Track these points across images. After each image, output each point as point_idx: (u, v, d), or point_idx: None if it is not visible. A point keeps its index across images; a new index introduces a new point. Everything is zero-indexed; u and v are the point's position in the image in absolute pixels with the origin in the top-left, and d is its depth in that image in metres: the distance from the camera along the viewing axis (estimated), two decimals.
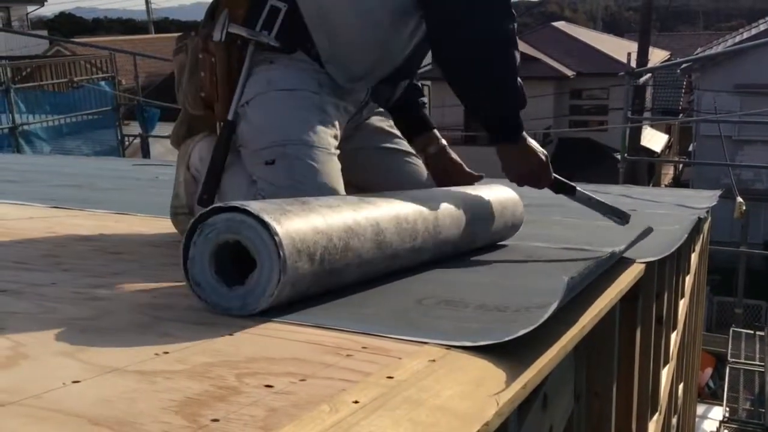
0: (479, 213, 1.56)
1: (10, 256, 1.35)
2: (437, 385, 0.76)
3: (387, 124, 1.80)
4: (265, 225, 0.97)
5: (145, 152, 10.20)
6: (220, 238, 1.00)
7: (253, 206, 0.99)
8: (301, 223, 1.02)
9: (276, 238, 0.96)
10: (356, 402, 0.70)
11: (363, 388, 0.74)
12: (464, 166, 1.78)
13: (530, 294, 1.26)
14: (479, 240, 1.59)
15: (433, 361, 0.84)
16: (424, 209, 1.34)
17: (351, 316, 1.03)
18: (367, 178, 1.71)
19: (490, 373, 0.81)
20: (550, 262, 1.62)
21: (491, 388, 0.75)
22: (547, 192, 1.89)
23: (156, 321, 0.98)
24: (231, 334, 0.93)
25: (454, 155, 1.81)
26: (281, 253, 0.96)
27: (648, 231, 1.61)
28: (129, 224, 1.80)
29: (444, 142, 1.83)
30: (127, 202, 2.41)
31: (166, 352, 0.84)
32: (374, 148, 1.75)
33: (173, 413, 0.66)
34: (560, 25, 25.18)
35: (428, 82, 22.11)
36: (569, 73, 20.28)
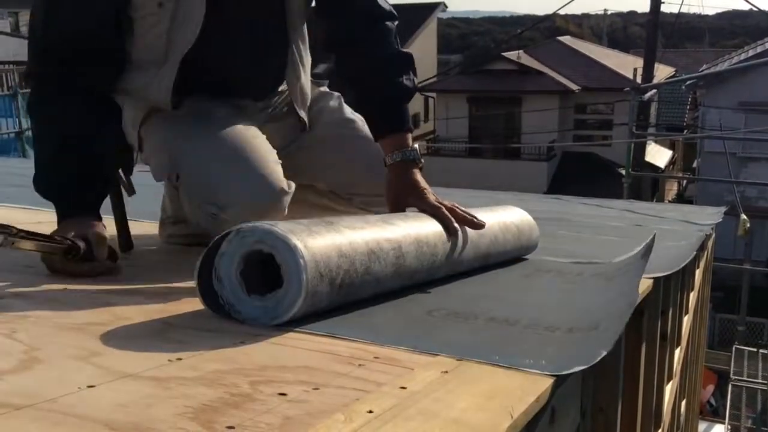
0: (497, 237, 1.54)
1: (21, 260, 1.35)
2: (450, 397, 0.76)
3: (340, 114, 1.71)
4: (292, 246, 0.97)
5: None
6: (254, 246, 1.00)
7: (282, 226, 1.00)
8: (326, 246, 1.02)
9: (302, 260, 0.97)
10: (370, 412, 0.70)
11: (377, 398, 0.74)
12: (427, 192, 1.43)
13: (539, 309, 1.26)
14: (493, 260, 1.59)
15: (446, 372, 0.84)
16: (443, 232, 1.34)
17: (362, 326, 1.04)
18: (320, 163, 1.65)
19: (502, 385, 0.81)
20: (559, 276, 1.62)
21: (504, 401, 0.75)
22: (552, 206, 1.89)
23: (168, 327, 0.99)
24: (243, 342, 0.93)
25: (418, 177, 1.47)
26: (305, 277, 0.96)
27: (652, 239, 1.61)
28: (139, 230, 1.80)
29: (417, 157, 1.49)
30: (136, 207, 2.41)
31: (179, 359, 0.84)
32: (326, 133, 1.67)
33: (189, 419, 0.66)
34: (566, 39, 25.26)
35: (432, 94, 22.17)
36: (574, 87, 20.34)
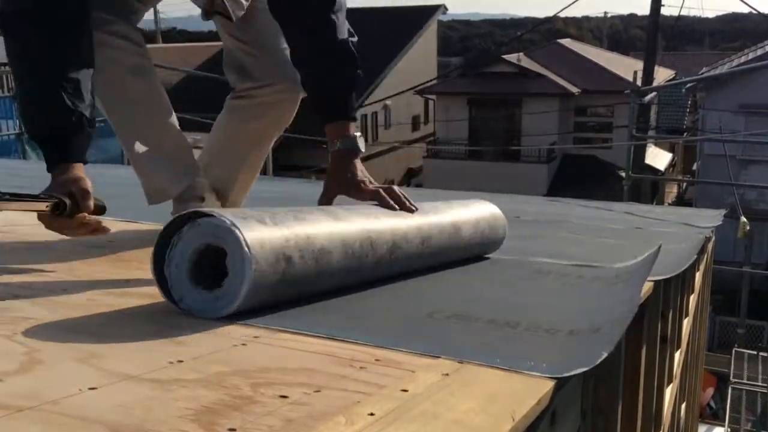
0: (455, 228, 1.52)
1: (22, 262, 1.35)
2: (452, 399, 0.76)
3: None
4: (237, 232, 0.98)
5: None
6: (203, 239, 1.02)
7: (230, 216, 1.01)
8: (272, 234, 1.04)
9: (247, 251, 0.98)
10: (372, 414, 0.70)
11: (378, 401, 0.74)
12: (365, 183, 1.47)
13: (540, 311, 1.26)
14: (454, 253, 1.56)
15: (447, 375, 0.84)
16: (395, 222, 1.34)
17: (363, 328, 1.04)
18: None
19: (504, 388, 0.81)
20: (559, 278, 1.62)
21: (506, 404, 0.75)
22: (551, 208, 1.89)
23: (168, 329, 0.99)
24: (244, 344, 0.93)
25: (359, 168, 1.52)
26: (249, 260, 0.98)
27: (657, 250, 1.62)
28: (139, 232, 1.80)
29: (356, 147, 1.54)
30: (137, 209, 2.42)
31: (180, 361, 0.84)
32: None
33: (190, 421, 0.66)
34: (566, 42, 25.28)
35: (433, 96, 22.15)
36: (574, 90, 20.35)
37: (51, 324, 0.97)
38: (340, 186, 1.50)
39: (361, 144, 1.54)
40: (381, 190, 1.42)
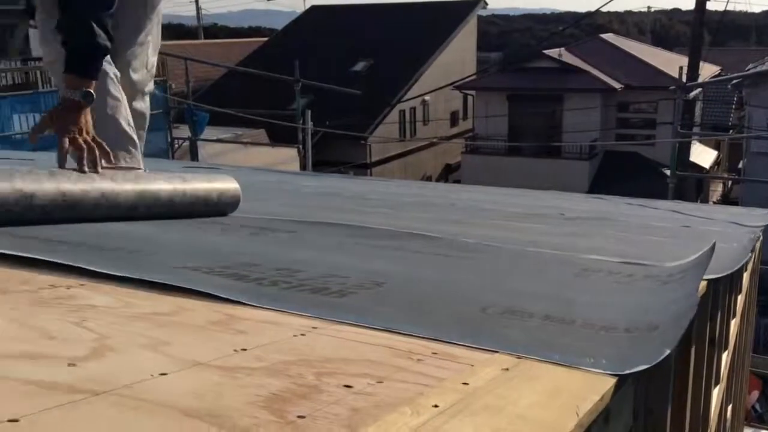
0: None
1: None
2: (514, 394, 0.76)
3: None
4: None
5: (194, 155, 10.38)
6: None
7: None
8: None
9: None
10: (436, 406, 0.71)
11: (440, 393, 0.75)
12: (75, 134, 1.81)
13: (594, 308, 1.25)
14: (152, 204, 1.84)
15: (507, 369, 0.84)
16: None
17: (417, 321, 1.04)
18: None
19: (565, 383, 0.81)
20: (610, 276, 1.61)
21: (569, 400, 0.75)
22: (594, 205, 1.88)
23: (229, 318, 1.01)
24: (303, 335, 0.95)
25: (82, 118, 1.85)
26: None
27: (712, 247, 1.59)
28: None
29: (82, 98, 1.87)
30: None
31: (244, 349, 0.86)
32: None
33: (260, 408, 0.68)
34: (608, 37, 24.89)
35: (472, 92, 21.96)
36: (617, 85, 20.04)
37: (117, 311, 0.99)
38: (52, 123, 1.84)
39: (90, 99, 1.88)
40: (79, 140, 1.77)
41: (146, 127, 2.57)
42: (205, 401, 0.68)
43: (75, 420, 0.62)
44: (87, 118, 1.85)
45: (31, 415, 0.61)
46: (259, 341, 0.90)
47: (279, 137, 12.65)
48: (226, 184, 2.15)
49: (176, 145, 10.68)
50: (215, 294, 1.08)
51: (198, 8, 34.23)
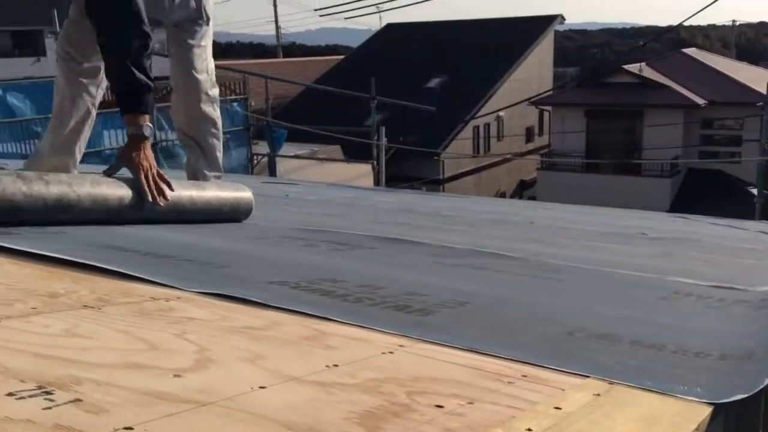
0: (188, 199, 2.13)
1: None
2: (608, 420, 0.75)
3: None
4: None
5: (272, 170, 10.63)
6: None
7: None
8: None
9: None
10: (529, 430, 0.71)
11: (533, 417, 0.75)
12: (142, 166, 2.04)
13: (684, 333, 1.22)
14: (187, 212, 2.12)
15: (598, 395, 0.83)
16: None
17: (504, 343, 1.04)
18: None
19: (659, 411, 0.80)
20: (700, 300, 1.56)
21: (665, 428, 0.74)
22: (678, 225, 1.83)
23: (319, 334, 1.03)
24: (391, 352, 0.96)
25: (144, 151, 2.08)
26: None
27: None
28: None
29: (142, 133, 2.11)
30: (273, 218, 2.54)
31: (336, 365, 0.88)
32: None
33: (356, 425, 0.69)
34: (691, 51, 24.16)
35: (548, 107, 21.68)
36: (700, 101, 19.39)
37: (214, 324, 1.04)
38: (126, 161, 2.07)
39: (147, 131, 2.11)
40: (144, 175, 2.00)
41: (220, 135, 2.73)
42: (305, 416, 0.70)
43: (185, 430, 0.65)
44: (149, 152, 2.07)
45: (144, 423, 0.65)
46: (350, 357, 0.92)
47: (353, 153, 12.82)
48: (243, 194, 2.37)
49: (255, 161, 10.96)
50: (308, 312, 1.11)
51: (277, 28, 35.17)
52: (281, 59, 29.94)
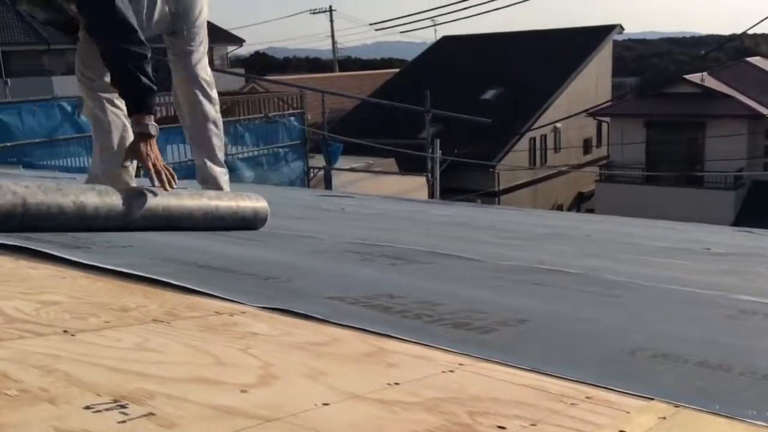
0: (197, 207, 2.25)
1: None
2: None
3: None
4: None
5: (328, 183, 10.73)
6: None
7: None
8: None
9: None
10: None
11: None
12: (150, 159, 2.24)
13: (752, 354, 1.19)
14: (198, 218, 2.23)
15: (664, 418, 0.82)
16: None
17: (565, 363, 1.04)
18: None
19: None
20: (766, 319, 1.52)
21: None
22: (743, 240, 1.78)
23: (379, 351, 1.04)
24: (452, 371, 0.97)
25: (150, 147, 2.27)
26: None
27: None
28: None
29: (147, 131, 2.28)
30: (330, 232, 2.57)
31: (397, 383, 0.89)
32: None
33: None
34: (755, 60, 23.44)
35: (607, 118, 21.31)
36: (765, 111, 18.77)
37: (277, 340, 1.06)
38: (134, 153, 2.29)
39: (153, 130, 2.29)
40: (152, 164, 2.22)
41: (222, 134, 2.95)
42: None
43: None
44: (155, 147, 2.28)
45: None
46: (411, 376, 0.93)
47: (408, 165, 12.85)
48: (260, 203, 2.49)
49: (312, 174, 11.10)
50: (369, 329, 1.13)
51: (333, 43, 35.65)
52: (337, 73, 30.29)
